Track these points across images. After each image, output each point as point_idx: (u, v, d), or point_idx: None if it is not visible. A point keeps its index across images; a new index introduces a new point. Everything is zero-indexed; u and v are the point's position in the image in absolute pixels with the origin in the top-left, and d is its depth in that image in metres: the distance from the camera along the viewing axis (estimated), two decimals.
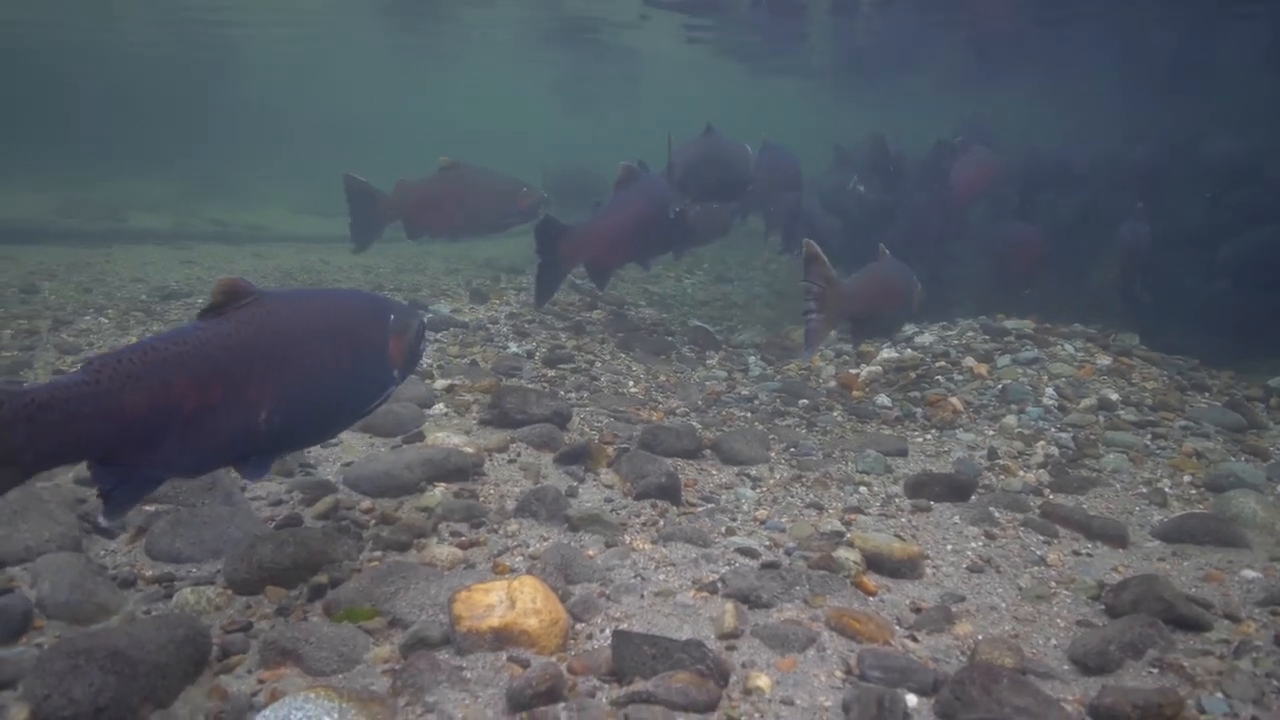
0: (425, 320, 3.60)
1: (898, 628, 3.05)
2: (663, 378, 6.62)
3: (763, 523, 4.00)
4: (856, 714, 2.35)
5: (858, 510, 4.24)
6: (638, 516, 4.00)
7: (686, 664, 2.56)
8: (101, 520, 2.66)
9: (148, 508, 3.63)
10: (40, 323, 6.92)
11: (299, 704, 2.35)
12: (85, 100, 35.36)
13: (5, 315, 7.21)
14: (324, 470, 4.26)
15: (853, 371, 6.87)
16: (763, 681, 2.60)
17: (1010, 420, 5.67)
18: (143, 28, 22.37)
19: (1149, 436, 5.50)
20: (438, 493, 4.01)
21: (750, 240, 14.26)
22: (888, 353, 7.07)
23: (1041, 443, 5.36)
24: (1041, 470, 5.00)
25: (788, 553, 3.61)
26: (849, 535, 3.77)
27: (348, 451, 4.50)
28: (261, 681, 2.59)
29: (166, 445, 2.63)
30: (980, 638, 2.98)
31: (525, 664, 2.64)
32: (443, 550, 3.47)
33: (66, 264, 9.90)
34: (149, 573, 3.23)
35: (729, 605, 3.00)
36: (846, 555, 3.47)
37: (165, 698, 2.43)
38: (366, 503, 3.89)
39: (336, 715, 2.33)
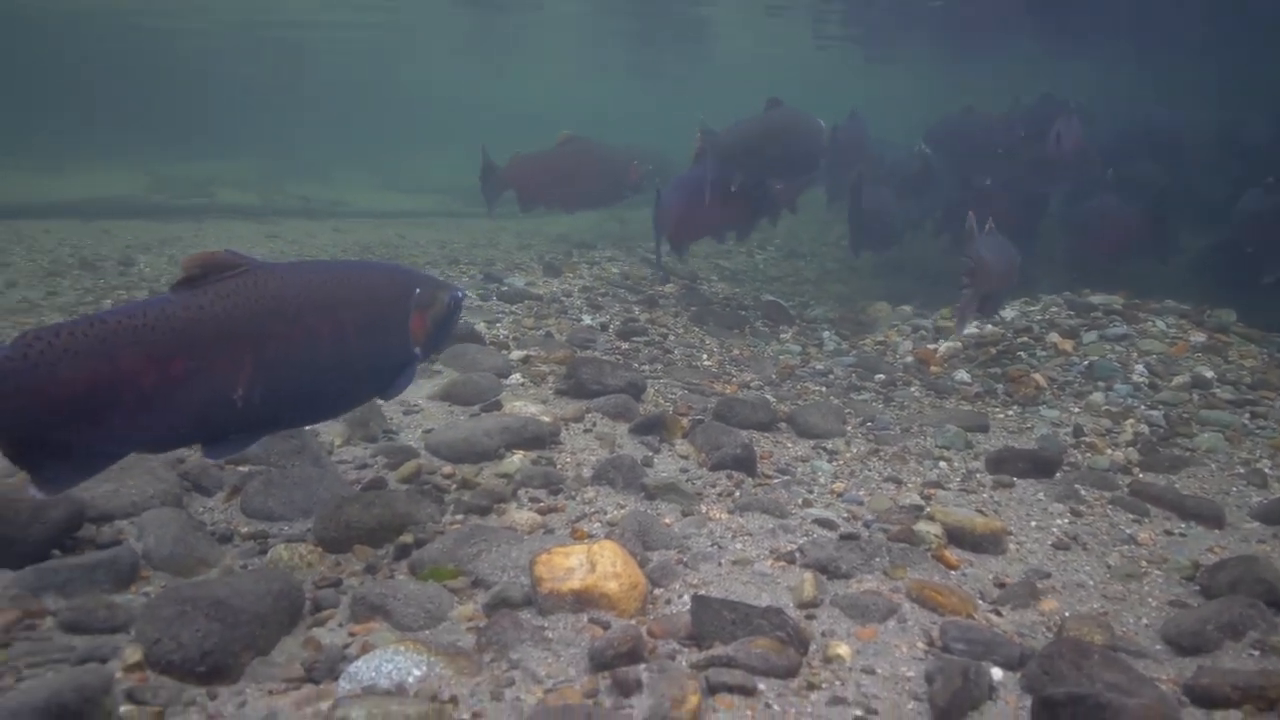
0: (460, 295, 3.41)
1: (981, 602, 3.00)
2: (736, 351, 6.59)
3: (840, 495, 3.96)
4: (940, 685, 2.33)
5: (937, 485, 4.16)
6: (713, 487, 4.00)
7: (766, 630, 2.56)
8: (33, 492, 2.48)
9: (241, 468, 3.77)
10: (138, 293, 7.23)
11: (389, 656, 2.42)
12: (174, 82, 36.58)
13: (105, 286, 7.56)
14: (405, 436, 4.36)
15: (930, 347, 6.74)
16: (843, 650, 2.59)
17: (1097, 397, 5.49)
18: (231, 12, 23.00)
19: (1247, 415, 5.27)
20: (516, 459, 4.08)
21: (823, 216, 14.07)
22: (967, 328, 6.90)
23: (1131, 420, 5.18)
24: (1131, 448, 4.84)
25: (866, 525, 3.57)
26: (929, 509, 3.71)
27: (428, 419, 4.60)
28: (352, 635, 2.68)
29: (117, 421, 2.52)
30: (1067, 614, 2.92)
31: (606, 626, 2.68)
32: (522, 515, 3.53)
33: (160, 238, 10.31)
34: (244, 529, 3.36)
35: (808, 575, 2.99)
36: (927, 529, 3.42)
37: (264, 646, 2.53)
38: (448, 468, 3.97)
39: (425, 668, 2.40)
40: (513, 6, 21.51)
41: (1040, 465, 4.32)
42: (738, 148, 6.74)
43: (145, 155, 19.68)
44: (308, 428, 4.11)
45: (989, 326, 6.78)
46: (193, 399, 2.64)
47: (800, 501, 3.87)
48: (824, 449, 4.65)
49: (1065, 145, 8.78)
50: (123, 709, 2.17)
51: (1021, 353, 6.27)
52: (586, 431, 4.56)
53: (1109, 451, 4.80)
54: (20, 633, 2.50)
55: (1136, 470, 4.58)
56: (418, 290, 3.23)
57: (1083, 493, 4.13)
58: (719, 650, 2.51)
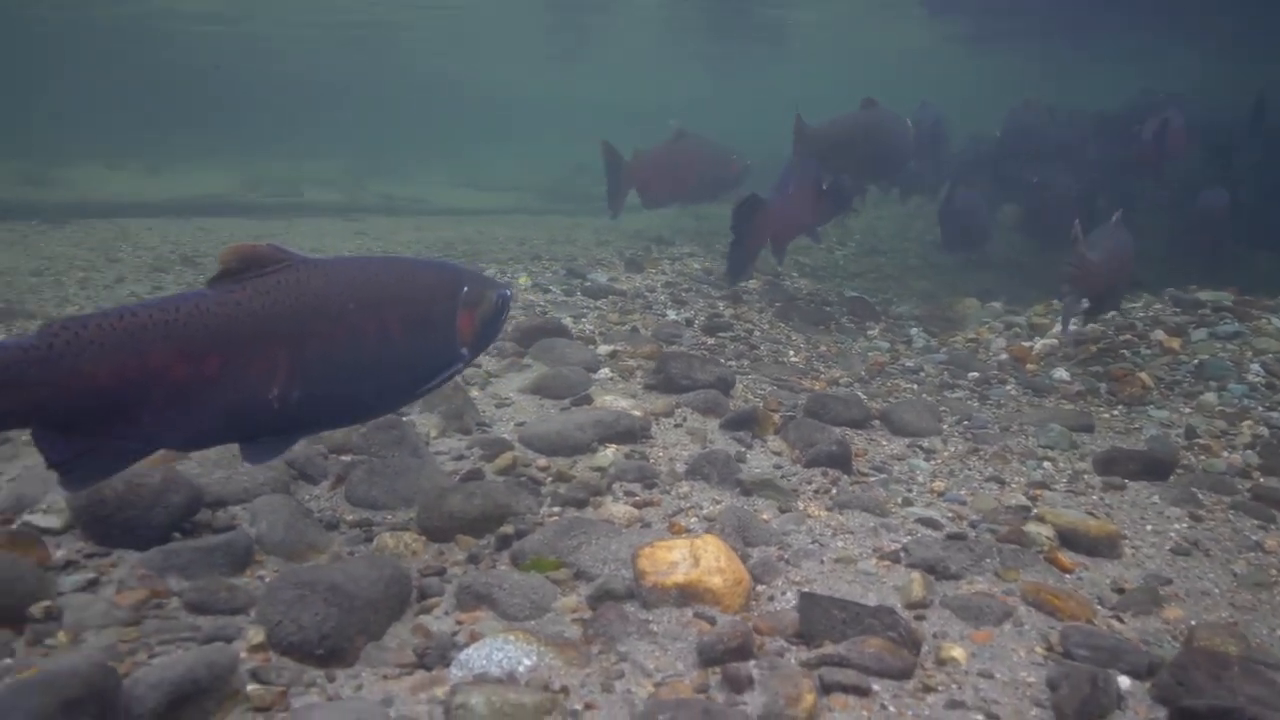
0: (508, 294, 3.25)
1: (1099, 607, 2.89)
2: (823, 347, 6.50)
3: (941, 494, 3.86)
4: (1067, 692, 2.24)
5: (1043, 485, 4.02)
6: (809, 483, 3.94)
7: (878, 630, 2.50)
8: (61, 490, 2.41)
9: (344, 457, 3.85)
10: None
11: (499, 645, 2.44)
12: (267, 84, 37.84)
13: (206, 281, 7.83)
14: (499, 429, 4.40)
15: (1025, 344, 6.53)
16: (957, 653, 2.51)
17: (1210, 398, 5.24)
18: (309, 14, 23.68)
19: None
20: (609, 453, 4.08)
21: (901, 211, 13.80)
22: None
23: (1248, 422, 4.93)
24: (1249, 451, 4.60)
25: (972, 525, 3.47)
26: (1037, 510, 3.59)
27: (519, 412, 4.63)
28: (460, 623, 2.70)
29: (145, 418, 2.42)
30: (1194, 623, 2.78)
31: (711, 621, 2.65)
32: (619, 508, 3.53)
33: (253, 235, 10.64)
34: (349, 517, 3.42)
35: (915, 575, 2.92)
36: (1037, 530, 3.31)
37: (377, 631, 2.58)
38: (542, 460, 4.00)
39: (535, 658, 2.41)
40: (588, 6, 21.65)
41: (1152, 467, 4.14)
42: (831, 145, 6.64)
43: (240, 156, 20.41)
44: (405, 419, 4.19)
45: (1089, 324, 6.54)
46: (226, 398, 2.54)
47: (900, 500, 3.78)
48: (920, 447, 4.54)
49: (1168, 139, 8.46)
50: (249, 688, 2.23)
51: (1125, 351, 6.03)
52: (677, 426, 4.54)
53: (1225, 454, 4.57)
54: (149, 611, 2.59)
55: (1257, 474, 4.35)
56: (465, 288, 3.08)
57: (1200, 496, 3.94)
58: (830, 649, 2.46)
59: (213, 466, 3.43)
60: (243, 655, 2.37)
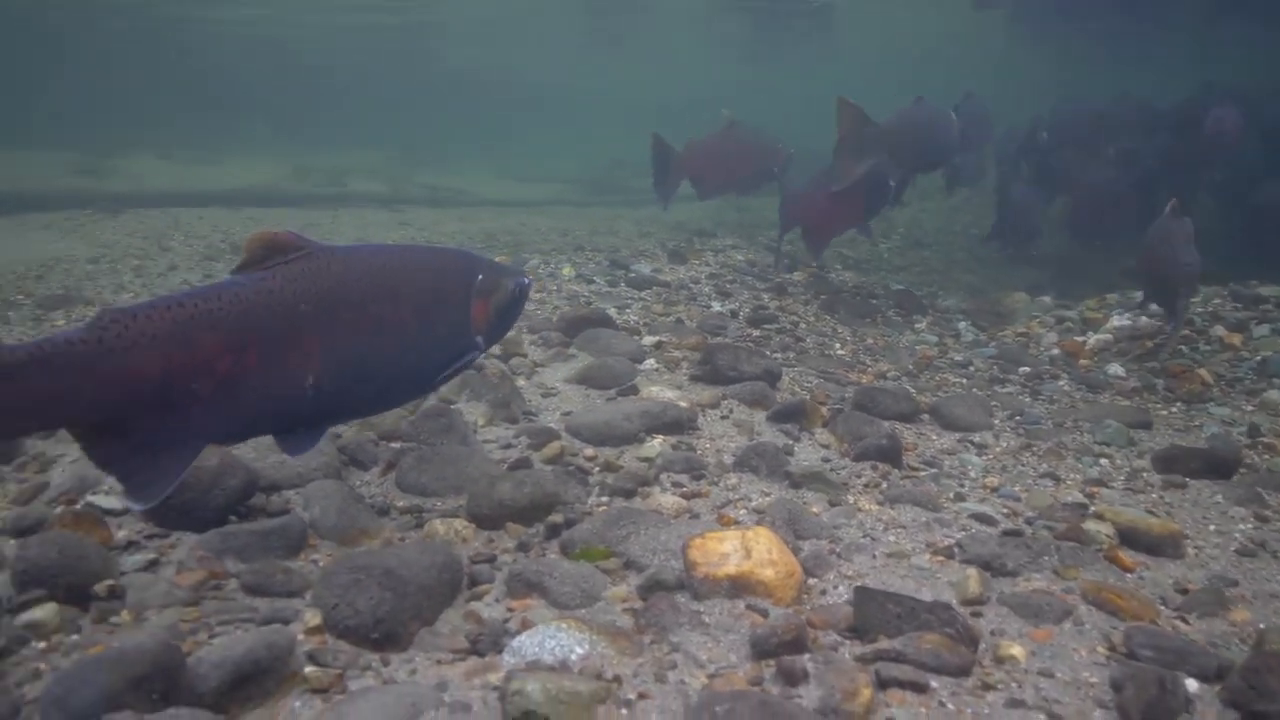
0: (526, 282, 3.19)
1: (1163, 608, 2.81)
2: (870, 340, 6.42)
3: (995, 490, 3.79)
4: (1132, 693, 2.18)
5: (1100, 483, 3.94)
6: (858, 477, 3.90)
7: (934, 626, 2.46)
8: (130, 505, 2.33)
9: (393, 444, 3.89)
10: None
11: (552, 633, 2.44)
12: (309, 78, 38.33)
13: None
14: (545, 418, 4.40)
15: (1078, 339, 6.40)
16: (1016, 651, 2.46)
17: (1273, 395, 5.09)
18: (354, 10, 23.92)
19: None
20: (656, 444, 4.06)
21: (946, 204, 13.61)
22: (1119, 320, 6.52)
23: None
24: None
25: (1028, 522, 3.41)
26: (1094, 508, 3.51)
27: (565, 401, 4.63)
28: (511, 610, 2.70)
29: (196, 411, 2.37)
30: (1263, 626, 2.70)
31: (764, 613, 2.63)
32: (667, 499, 3.51)
33: (301, 224, 10.78)
34: (400, 503, 3.45)
35: (971, 571, 2.86)
36: (1096, 528, 3.23)
37: (429, 617, 2.59)
38: (589, 450, 3.99)
39: (587, 647, 2.41)
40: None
41: (1215, 465, 4.03)
42: (888, 142, 6.59)
43: (287, 147, 20.70)
44: (453, 407, 4.21)
45: (1143, 319, 6.39)
46: (267, 387, 2.50)
47: (952, 495, 3.72)
48: (971, 442, 4.47)
49: (1226, 131, 8.25)
50: (307, 669, 2.25)
51: (1182, 346, 5.88)
52: (724, 418, 4.51)
53: None
54: (208, 592, 2.64)
55: None
56: (480, 276, 3.02)
57: (1266, 497, 3.82)
58: (885, 644, 2.42)
59: (266, 451, 3.46)
60: (300, 637, 2.39)
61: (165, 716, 1.80)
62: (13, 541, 2.85)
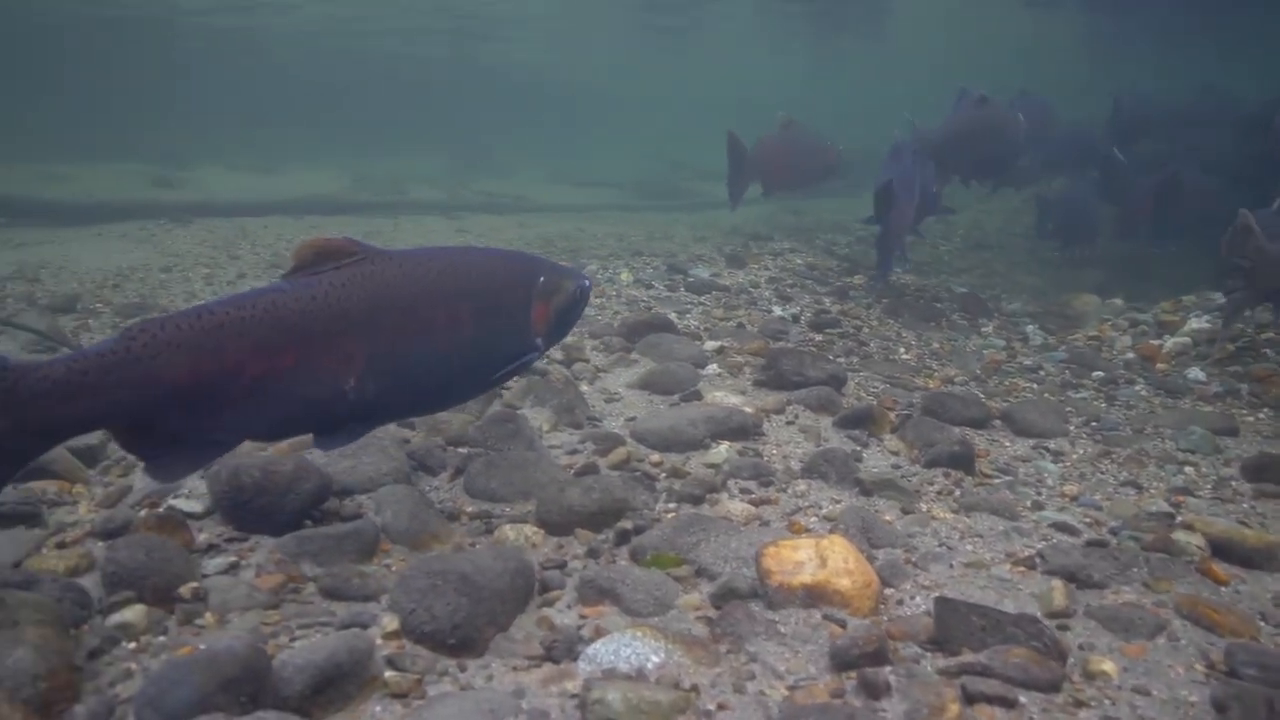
0: (587, 284, 3.25)
1: (1263, 624, 2.69)
2: (935, 345, 6.30)
3: (1074, 499, 3.68)
4: (1237, 714, 2.09)
5: (1185, 492, 3.79)
6: (931, 484, 3.81)
7: (1020, 639, 2.38)
8: (150, 479, 2.48)
9: (461, 449, 3.91)
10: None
11: (627, 641, 2.42)
12: (368, 88, 39.10)
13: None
14: (609, 424, 4.40)
15: (1154, 342, 6.19)
16: (1107, 666, 2.37)
17: None
18: (415, 17, 24.32)
19: None
20: (723, 450, 4.02)
21: (1009, 207, 13.33)
22: (1197, 322, 6.29)
23: None
24: None
25: (1112, 532, 3.29)
26: (1182, 518, 3.38)
27: (629, 407, 4.62)
28: (583, 617, 2.69)
29: (226, 412, 2.48)
30: None
31: (841, 623, 2.57)
32: (736, 506, 3.47)
33: (362, 233, 10.93)
34: (469, 508, 3.46)
35: (1056, 582, 2.77)
36: (1186, 539, 3.11)
37: (504, 622, 2.58)
38: (655, 456, 3.97)
39: (663, 655, 2.38)
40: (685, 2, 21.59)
41: None
42: (949, 146, 6.45)
43: (348, 155, 21.13)
44: (519, 412, 4.23)
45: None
46: (303, 390, 2.59)
47: (1029, 504, 3.62)
48: (1046, 449, 4.34)
49: None
50: (387, 674, 2.26)
51: (1267, 350, 5.65)
52: (789, 423, 4.45)
53: None
54: (287, 595, 2.67)
55: None
56: (541, 278, 3.07)
57: None
58: (970, 658, 2.35)
59: (338, 456, 3.50)
60: (378, 642, 2.41)
61: (254, 719, 1.81)
62: (101, 544, 2.93)
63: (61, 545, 2.91)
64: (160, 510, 3.15)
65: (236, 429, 2.56)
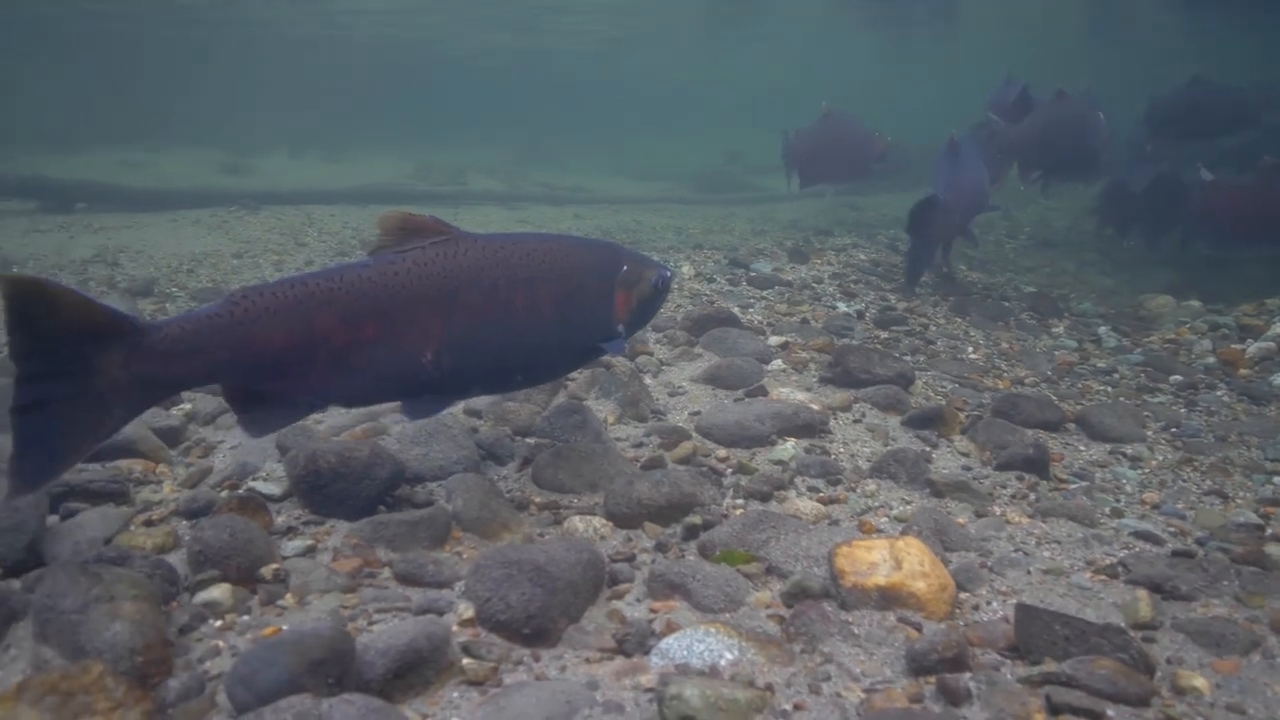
0: (668, 275, 3.35)
1: None
2: (1004, 345, 6.16)
3: (1156, 507, 3.57)
4: None
5: (1275, 503, 3.65)
6: (1003, 487, 3.73)
7: (1106, 650, 2.32)
8: (242, 431, 2.70)
9: (529, 440, 3.93)
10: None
11: (700, 637, 2.41)
12: (429, 80, 39.56)
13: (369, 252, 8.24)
14: (673, 417, 4.39)
15: (1236, 347, 5.98)
16: (1198, 683, 2.29)
17: None
18: (480, 8, 24.53)
19: None
20: (789, 447, 3.99)
21: (1078, 205, 13.00)
22: None
23: None
24: None
25: (1199, 542, 3.19)
26: (1272, 529, 3.26)
27: (693, 401, 4.60)
28: (654, 611, 2.68)
29: (313, 376, 2.66)
30: None
31: (918, 627, 2.53)
32: (804, 504, 3.44)
33: None
34: (537, 499, 3.48)
35: (1141, 593, 2.69)
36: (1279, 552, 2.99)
37: (575, 614, 2.59)
38: (722, 451, 3.95)
39: (737, 653, 2.37)
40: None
41: None
42: (1031, 145, 6.28)
43: (410, 145, 21.42)
44: (584, 404, 4.24)
45: None
46: (383, 360, 2.74)
47: (1108, 510, 3.52)
48: (1123, 454, 4.22)
49: None
50: (464, 661, 2.28)
51: None
52: (856, 422, 4.39)
53: None
54: (364, 579, 2.72)
55: None
56: (624, 268, 3.17)
57: None
58: (1053, 667, 2.29)
59: (410, 444, 3.56)
60: (454, 629, 2.44)
61: (342, 701, 1.84)
62: (185, 523, 3.01)
63: (149, 523, 3.00)
64: (241, 492, 3.23)
65: (320, 393, 2.73)
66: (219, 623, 2.41)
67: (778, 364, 5.16)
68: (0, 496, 2.40)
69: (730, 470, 3.78)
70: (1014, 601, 2.73)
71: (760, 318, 6.17)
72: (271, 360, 2.60)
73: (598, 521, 3.22)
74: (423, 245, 2.81)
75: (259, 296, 2.58)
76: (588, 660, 2.40)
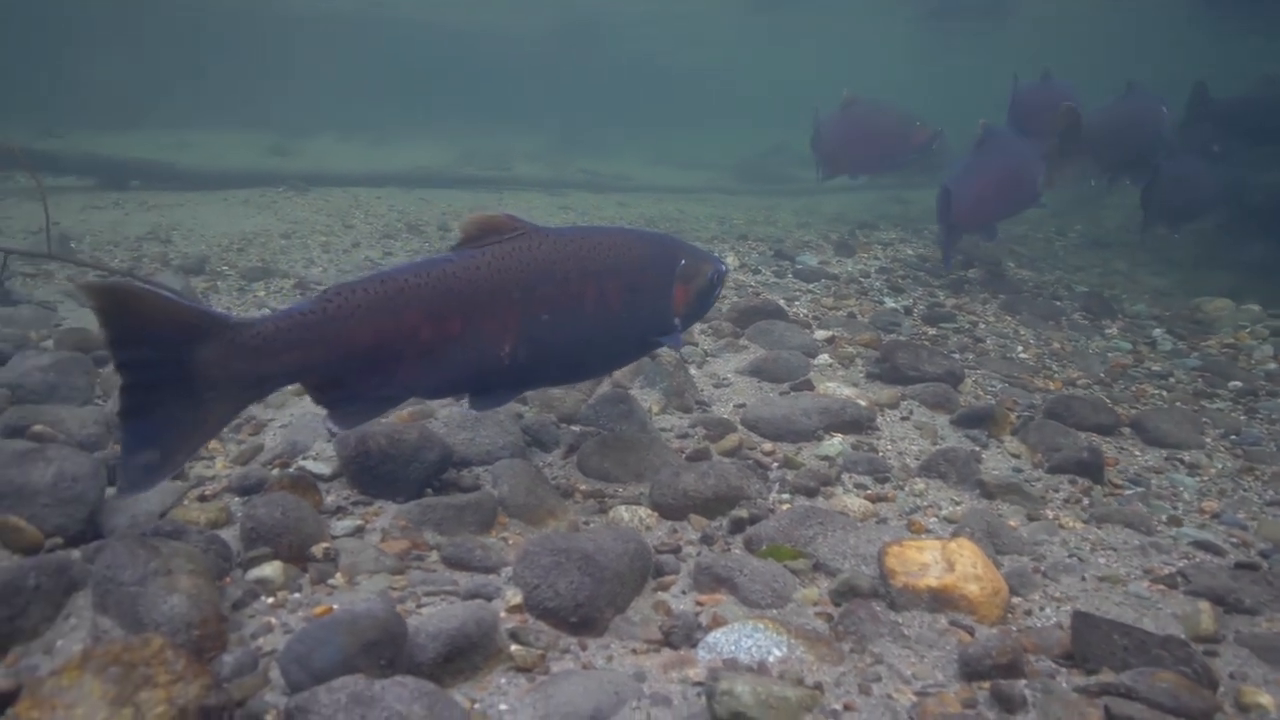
0: (724, 269, 3.41)
1: None
2: (1056, 345, 6.03)
3: (1215, 516, 3.47)
4: None
5: None
6: (1056, 491, 3.66)
7: (1167, 662, 2.26)
8: (331, 427, 2.69)
9: (574, 427, 3.93)
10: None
11: (748, 632, 2.39)
12: (475, 68, 39.76)
13: (430, 249, 8.28)
14: (718, 409, 4.35)
15: None
16: (1264, 700, 2.22)
17: None
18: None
19: None
20: (836, 442, 3.94)
21: (1132, 203, 12.69)
22: None
23: None
24: None
25: (1263, 554, 3.09)
26: None
27: (738, 393, 4.57)
28: (700, 604, 2.66)
29: (400, 370, 2.70)
30: None
31: (970, 631, 2.49)
32: (852, 500, 3.39)
33: (469, 206, 11.16)
34: (582, 487, 3.47)
35: (1203, 605, 2.62)
36: None
37: (621, 604, 2.58)
38: (767, 445, 3.91)
39: (785, 649, 2.34)
40: None
41: None
42: (1096, 139, 6.13)
43: (455, 130, 21.53)
44: (630, 393, 4.22)
45: None
46: (465, 354, 2.79)
47: (1165, 518, 3.43)
48: (1180, 461, 4.12)
49: None
50: (512, 648, 2.28)
51: None
52: (904, 419, 4.33)
53: None
54: (412, 562, 2.73)
55: None
56: (683, 261, 3.21)
57: None
58: (1111, 678, 2.24)
59: (456, 428, 3.57)
60: (502, 615, 2.44)
61: (395, 683, 1.85)
62: (237, 499, 3.05)
63: (203, 498, 3.04)
64: (292, 470, 3.26)
65: (406, 386, 2.77)
66: (271, 599, 2.44)
67: (824, 358, 5.11)
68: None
69: (776, 464, 3.74)
70: (1068, 608, 2.68)
71: (806, 311, 6.11)
72: (362, 355, 2.64)
73: (643, 512, 3.21)
74: (499, 240, 2.85)
75: (350, 293, 2.62)
76: (634, 651, 2.39)
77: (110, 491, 2.88)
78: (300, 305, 2.60)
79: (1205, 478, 3.93)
